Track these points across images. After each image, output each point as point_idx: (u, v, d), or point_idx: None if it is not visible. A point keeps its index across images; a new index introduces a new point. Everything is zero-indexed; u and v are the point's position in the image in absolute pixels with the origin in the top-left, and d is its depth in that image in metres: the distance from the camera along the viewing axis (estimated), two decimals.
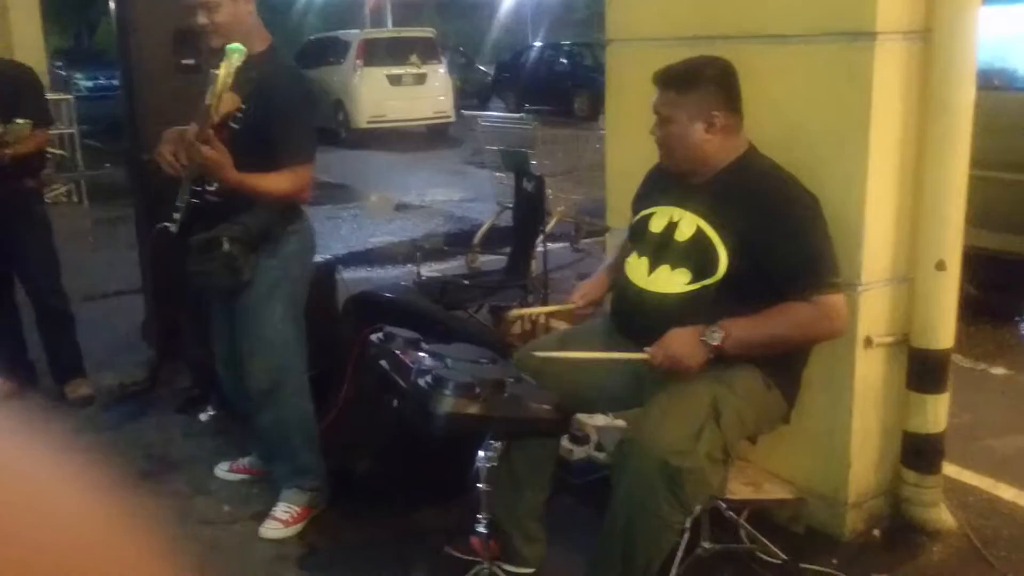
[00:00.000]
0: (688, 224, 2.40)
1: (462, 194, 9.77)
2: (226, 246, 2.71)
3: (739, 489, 2.72)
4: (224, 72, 2.58)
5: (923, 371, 2.68)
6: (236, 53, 2.58)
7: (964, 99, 2.55)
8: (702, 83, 2.38)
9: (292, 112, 2.78)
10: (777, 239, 2.30)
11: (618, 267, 2.64)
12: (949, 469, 3.01)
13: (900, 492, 2.77)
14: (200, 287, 2.93)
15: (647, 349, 2.31)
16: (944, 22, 2.51)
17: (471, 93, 20.63)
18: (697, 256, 2.37)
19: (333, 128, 15.30)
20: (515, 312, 3.20)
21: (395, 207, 9.73)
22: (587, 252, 6.76)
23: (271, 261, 2.85)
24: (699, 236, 2.37)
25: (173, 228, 2.88)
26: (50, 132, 4.41)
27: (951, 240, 2.61)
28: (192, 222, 2.84)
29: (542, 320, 4.29)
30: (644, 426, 2.28)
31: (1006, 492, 3.06)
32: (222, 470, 3.43)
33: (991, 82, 4.89)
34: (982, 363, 4.33)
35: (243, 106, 2.75)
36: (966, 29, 2.52)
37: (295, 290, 2.95)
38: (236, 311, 2.94)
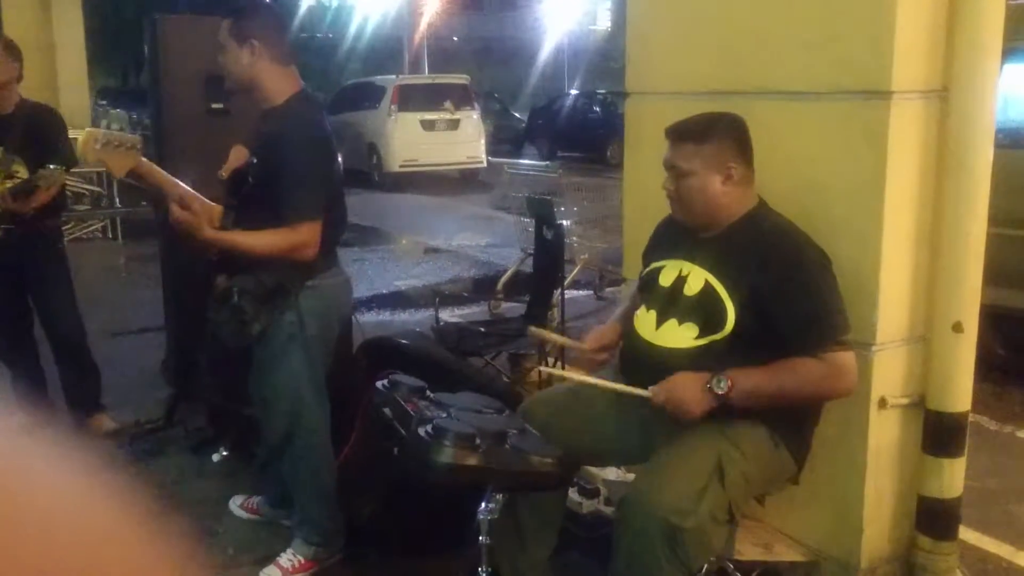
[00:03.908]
0: (696, 278, 2.39)
1: (489, 239, 9.81)
2: (235, 299, 2.69)
3: (749, 550, 2.66)
4: (85, 137, 2.73)
5: (939, 434, 2.61)
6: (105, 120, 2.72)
7: (982, 158, 2.52)
8: (718, 135, 2.38)
9: (294, 166, 2.69)
10: (786, 295, 2.27)
11: (627, 319, 2.62)
12: (969, 535, 2.93)
13: (914, 558, 2.69)
14: (219, 337, 2.91)
15: (651, 388, 2.29)
16: (961, 80, 2.49)
17: (505, 139, 20.84)
18: (705, 311, 2.35)
19: (366, 171, 15.52)
20: (533, 330, 3.07)
21: (423, 251, 9.79)
22: (611, 300, 6.73)
23: (287, 316, 2.80)
24: (707, 291, 2.35)
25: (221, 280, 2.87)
26: (88, 169, 4.51)
27: (968, 301, 2.56)
28: (223, 273, 2.81)
29: (559, 368, 4.25)
30: (646, 483, 2.24)
31: None
32: (235, 504, 3.45)
33: (1022, 140, 4.85)
34: (1009, 426, 4.22)
35: (253, 160, 2.77)
36: (983, 87, 2.50)
37: (313, 347, 2.86)
38: (255, 364, 2.95)
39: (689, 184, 2.40)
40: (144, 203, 10.51)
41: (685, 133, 2.41)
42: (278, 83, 2.80)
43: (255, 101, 2.86)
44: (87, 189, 10.12)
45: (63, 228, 4.46)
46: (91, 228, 9.91)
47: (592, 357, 2.70)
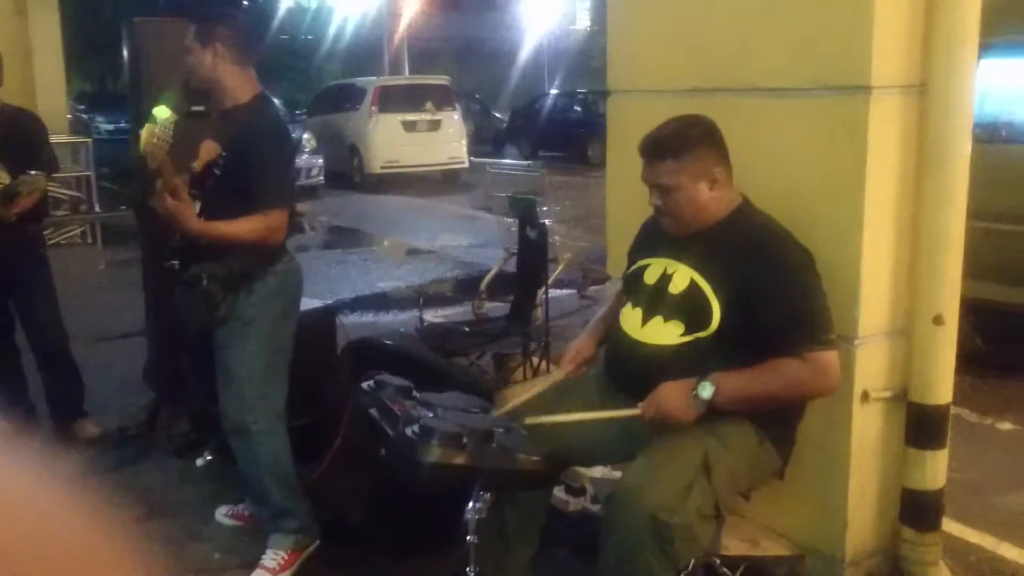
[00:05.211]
0: (682, 277, 2.39)
1: (472, 239, 9.80)
2: (205, 283, 2.83)
3: (735, 545, 2.67)
4: (147, 133, 2.80)
5: (921, 426, 2.63)
6: (160, 115, 2.80)
7: (960, 152, 2.54)
8: (695, 143, 2.38)
9: (265, 158, 2.88)
10: (770, 294, 2.28)
11: (612, 317, 2.63)
12: (951, 527, 2.95)
13: (899, 550, 2.71)
14: (184, 321, 3.01)
15: (639, 404, 2.30)
16: (939, 75, 2.51)
17: (486, 139, 20.84)
18: (690, 309, 2.36)
19: (347, 173, 15.49)
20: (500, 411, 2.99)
21: (406, 252, 9.78)
22: (594, 299, 6.74)
23: (249, 299, 2.93)
24: (692, 289, 2.36)
25: (176, 265, 3.02)
26: (67, 174, 4.49)
27: (949, 294, 2.58)
28: (186, 262, 2.97)
29: (543, 367, 4.26)
30: (633, 481, 2.25)
31: (1009, 551, 2.99)
32: (221, 513, 3.46)
33: (998, 135, 4.90)
34: (989, 418, 4.26)
35: (224, 153, 2.89)
36: (961, 82, 2.52)
37: (273, 330, 2.99)
38: (215, 347, 3.00)
39: (677, 198, 2.40)
40: (123, 207, 10.46)
41: (662, 149, 2.39)
42: (239, 83, 2.97)
43: (217, 100, 3.02)
44: (66, 194, 10.05)
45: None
46: (71, 234, 9.84)
47: (573, 375, 2.69)
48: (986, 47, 2.58)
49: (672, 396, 2.25)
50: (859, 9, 2.46)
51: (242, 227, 2.85)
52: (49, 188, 4.18)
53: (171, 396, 4.28)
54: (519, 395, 2.86)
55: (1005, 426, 4.23)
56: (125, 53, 4.56)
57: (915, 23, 2.51)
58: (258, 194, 2.84)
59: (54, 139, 4.88)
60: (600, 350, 2.69)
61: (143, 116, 4.33)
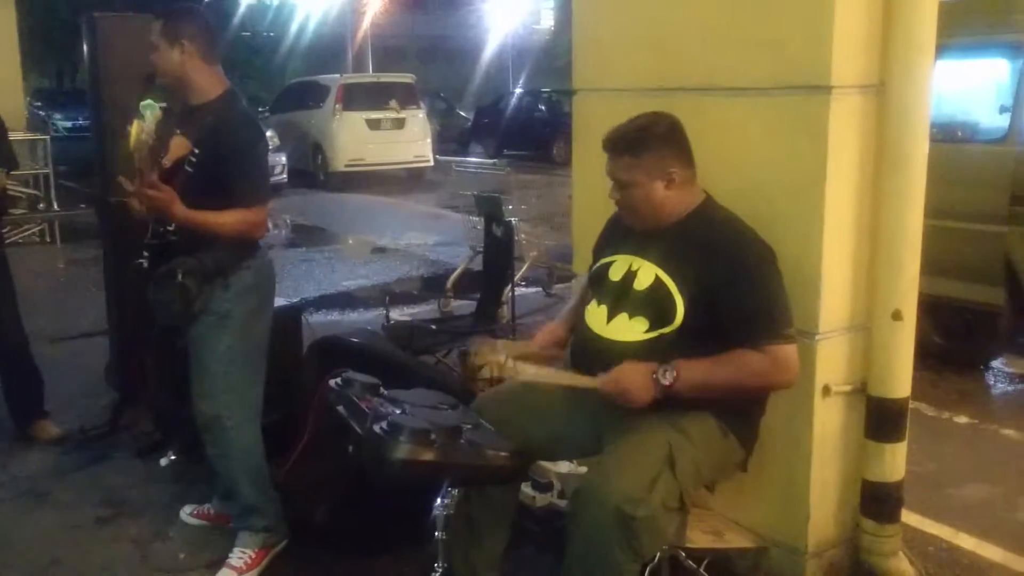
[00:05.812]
0: (647, 273, 2.42)
1: (438, 238, 9.80)
2: (180, 277, 2.81)
3: (699, 538, 2.70)
4: (136, 129, 2.79)
5: (881, 420, 2.68)
6: (148, 111, 2.80)
7: (918, 151, 2.59)
8: (654, 142, 2.41)
9: (245, 155, 2.90)
10: (732, 289, 2.31)
11: (578, 314, 2.65)
12: (910, 518, 3.01)
13: (859, 541, 2.76)
14: (157, 317, 2.98)
15: (599, 377, 2.32)
16: (897, 76, 2.56)
17: (451, 138, 20.82)
18: (655, 305, 2.38)
19: (311, 171, 15.41)
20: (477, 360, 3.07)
21: (371, 250, 9.75)
22: (560, 297, 6.77)
23: (224, 294, 2.92)
24: (657, 285, 2.39)
25: (144, 263, 3.00)
26: (25, 172, 4.44)
27: (907, 290, 2.63)
28: (158, 260, 2.94)
29: (509, 364, 4.27)
30: (599, 474, 2.27)
31: (966, 541, 3.06)
32: (186, 513, 3.43)
33: (954, 134, 5.00)
34: (946, 412, 4.36)
35: (196, 150, 2.86)
36: (919, 82, 2.57)
37: (247, 324, 2.98)
38: (188, 341, 2.98)
39: (633, 194, 2.44)
40: (83, 206, 10.33)
41: (621, 145, 2.43)
42: (207, 80, 2.96)
43: (183, 97, 3.00)
44: (24, 192, 9.91)
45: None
46: (29, 232, 9.70)
47: (545, 353, 2.72)
48: (943, 48, 2.64)
49: (632, 374, 2.28)
50: (820, 10, 2.50)
51: (227, 218, 2.84)
52: (7, 185, 4.12)
53: (133, 396, 4.24)
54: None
55: (962, 420, 4.32)
56: (84, 49, 4.50)
57: (874, 24, 2.55)
58: (239, 190, 2.84)
59: (11, 136, 4.81)
60: (570, 340, 2.71)
61: (102, 112, 4.30)
